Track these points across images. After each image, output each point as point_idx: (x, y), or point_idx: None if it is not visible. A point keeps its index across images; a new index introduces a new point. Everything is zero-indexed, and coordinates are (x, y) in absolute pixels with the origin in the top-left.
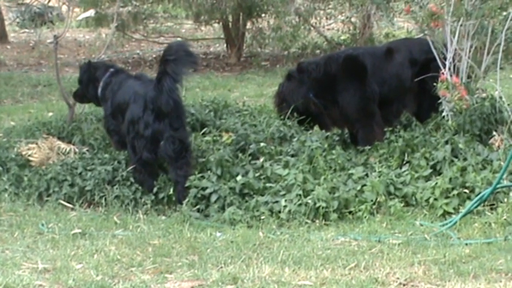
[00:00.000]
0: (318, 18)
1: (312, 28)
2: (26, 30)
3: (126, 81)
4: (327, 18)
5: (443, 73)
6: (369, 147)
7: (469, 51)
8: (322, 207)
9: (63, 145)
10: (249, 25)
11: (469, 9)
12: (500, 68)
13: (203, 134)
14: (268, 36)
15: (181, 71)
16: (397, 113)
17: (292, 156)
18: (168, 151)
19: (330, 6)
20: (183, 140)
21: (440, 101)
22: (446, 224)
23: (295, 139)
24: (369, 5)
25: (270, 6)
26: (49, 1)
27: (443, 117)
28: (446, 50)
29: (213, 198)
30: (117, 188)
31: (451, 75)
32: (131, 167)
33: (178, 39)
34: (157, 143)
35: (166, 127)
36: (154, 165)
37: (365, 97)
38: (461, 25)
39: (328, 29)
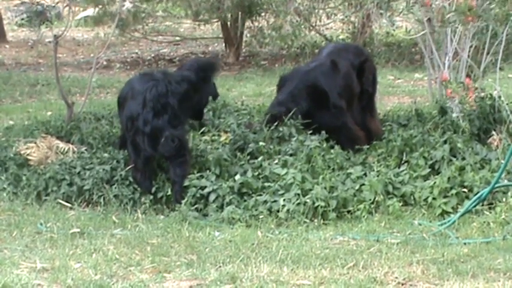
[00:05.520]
0: (318, 17)
1: (311, 27)
2: (25, 29)
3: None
4: (327, 17)
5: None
6: (355, 148)
7: (469, 51)
8: (321, 207)
9: (61, 144)
10: (248, 24)
11: (479, 11)
12: (500, 69)
13: (202, 133)
14: (268, 35)
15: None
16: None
17: (291, 155)
18: (166, 149)
19: (331, 5)
20: (181, 138)
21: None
22: (445, 223)
23: (294, 138)
24: (368, 4)
25: (269, 6)
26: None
27: (443, 117)
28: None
29: (212, 197)
30: (115, 188)
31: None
32: (130, 167)
33: (177, 38)
34: (157, 138)
35: (165, 125)
36: (154, 163)
37: (335, 116)
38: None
39: (327, 28)
